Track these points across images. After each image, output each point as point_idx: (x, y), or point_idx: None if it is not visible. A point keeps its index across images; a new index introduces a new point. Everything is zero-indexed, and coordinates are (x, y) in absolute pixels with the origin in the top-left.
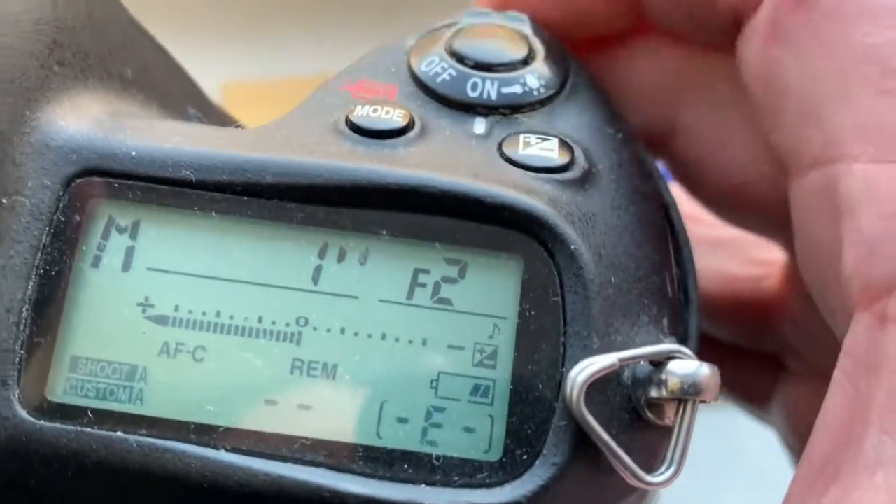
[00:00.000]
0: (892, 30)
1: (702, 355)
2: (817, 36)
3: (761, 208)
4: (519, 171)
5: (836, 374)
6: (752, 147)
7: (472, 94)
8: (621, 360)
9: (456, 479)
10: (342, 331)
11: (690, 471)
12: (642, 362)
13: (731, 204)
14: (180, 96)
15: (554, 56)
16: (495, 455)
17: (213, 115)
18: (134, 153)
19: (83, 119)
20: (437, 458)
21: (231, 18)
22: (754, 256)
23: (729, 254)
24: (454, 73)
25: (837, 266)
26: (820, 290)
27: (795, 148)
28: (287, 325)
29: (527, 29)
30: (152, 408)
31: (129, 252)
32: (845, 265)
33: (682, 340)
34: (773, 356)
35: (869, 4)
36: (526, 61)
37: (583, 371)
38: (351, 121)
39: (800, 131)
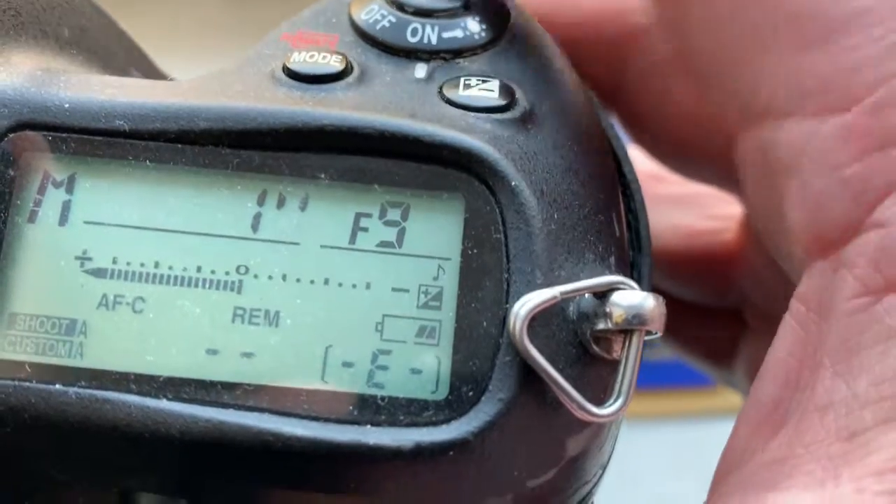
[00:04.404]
0: None
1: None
2: None
3: (710, 157)
4: (459, 111)
5: (786, 319)
6: (696, 97)
7: (413, 40)
8: (563, 293)
9: (402, 418)
10: (284, 277)
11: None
12: (587, 295)
13: (682, 156)
14: (123, 59)
15: (495, 1)
16: (442, 394)
17: (159, 79)
18: (67, 105)
19: (15, 74)
20: (383, 398)
21: (240, 37)
22: (714, 212)
23: (690, 210)
24: (394, 20)
25: (784, 222)
26: (773, 243)
27: (725, 110)
28: (227, 273)
29: None
30: (92, 360)
31: (66, 206)
32: (795, 221)
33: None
34: (735, 314)
35: None
36: (466, 6)
37: (524, 305)
38: (287, 67)
39: (726, 92)
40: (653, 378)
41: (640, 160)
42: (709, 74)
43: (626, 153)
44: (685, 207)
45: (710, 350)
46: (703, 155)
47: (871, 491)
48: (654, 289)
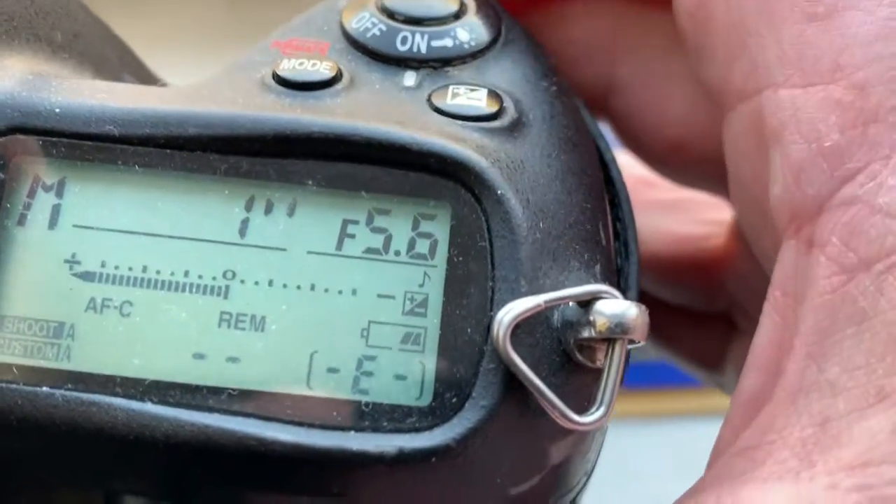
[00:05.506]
0: None
1: (653, 318)
2: None
3: (701, 161)
4: (446, 119)
5: (765, 308)
6: (688, 99)
7: (402, 49)
8: (547, 302)
9: (385, 424)
10: (270, 283)
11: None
12: (571, 304)
13: (672, 159)
14: (116, 63)
15: (486, 10)
16: (426, 400)
17: (152, 84)
18: (58, 110)
19: (7, 79)
20: (367, 404)
21: (242, 38)
22: (704, 217)
23: (679, 215)
24: (384, 28)
25: (766, 198)
26: (753, 229)
27: (724, 83)
28: (214, 278)
29: None
30: (79, 363)
31: (56, 210)
32: (773, 194)
33: (622, 292)
34: (724, 318)
35: None
36: (457, 15)
37: (508, 313)
38: (277, 74)
39: (728, 65)
40: (653, 377)
41: (630, 164)
42: (716, 48)
43: (614, 160)
44: (675, 212)
45: (700, 354)
46: (691, 155)
47: (843, 487)
48: (643, 293)
